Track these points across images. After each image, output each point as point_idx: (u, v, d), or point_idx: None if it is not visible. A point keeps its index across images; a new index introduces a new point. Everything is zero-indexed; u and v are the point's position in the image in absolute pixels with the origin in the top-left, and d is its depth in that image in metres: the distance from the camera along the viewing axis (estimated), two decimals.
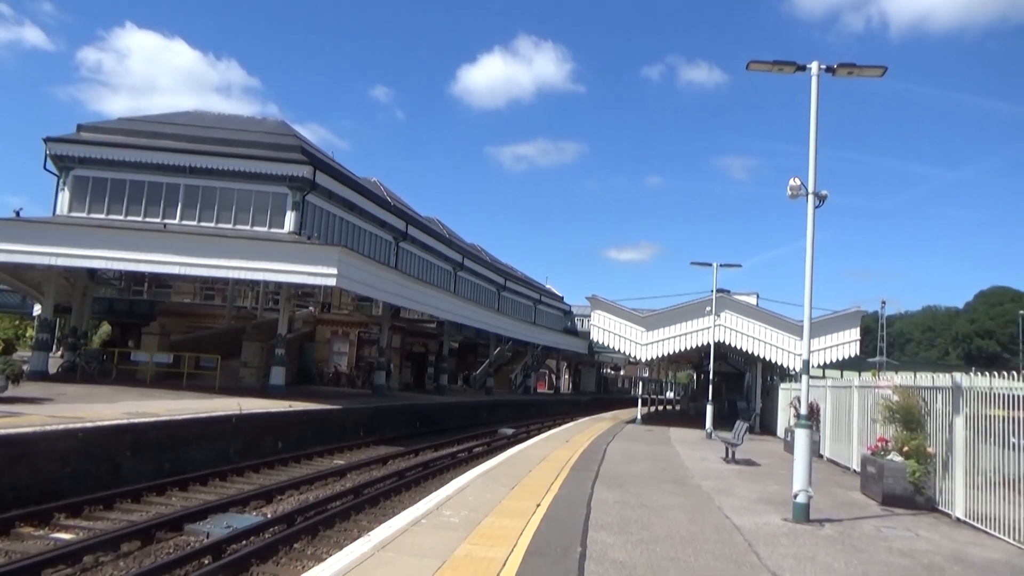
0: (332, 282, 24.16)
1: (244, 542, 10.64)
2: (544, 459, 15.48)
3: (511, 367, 61.74)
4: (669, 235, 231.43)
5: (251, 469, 17.29)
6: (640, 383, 43.21)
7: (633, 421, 31.93)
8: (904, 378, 13.58)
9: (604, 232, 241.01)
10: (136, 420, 15.28)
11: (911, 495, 11.56)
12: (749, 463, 17.33)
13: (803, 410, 10.69)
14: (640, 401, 36.20)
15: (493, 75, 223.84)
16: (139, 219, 27.35)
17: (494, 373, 56.61)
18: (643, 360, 31.79)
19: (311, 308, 43.13)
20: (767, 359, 29.29)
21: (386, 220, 37.16)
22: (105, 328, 48.41)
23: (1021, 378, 9.08)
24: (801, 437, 10.23)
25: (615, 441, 21.63)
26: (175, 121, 30.45)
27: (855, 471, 15.26)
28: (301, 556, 10.25)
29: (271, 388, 25.96)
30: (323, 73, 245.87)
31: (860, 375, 16.54)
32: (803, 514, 9.80)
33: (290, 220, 28.05)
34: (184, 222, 27.53)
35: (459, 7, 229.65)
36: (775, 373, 33.67)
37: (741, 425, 18.72)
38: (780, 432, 25.68)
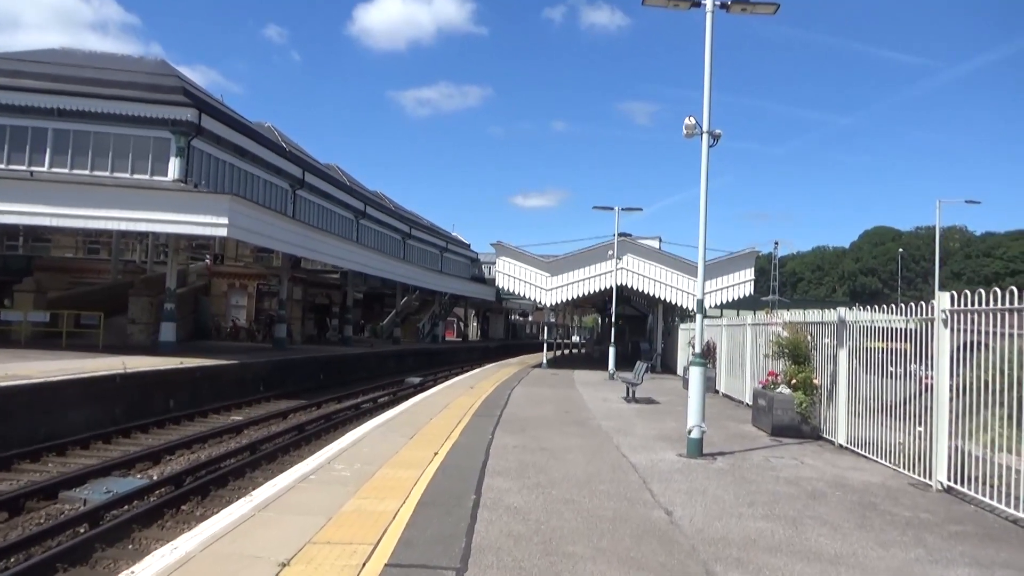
0: (223, 232, 22.90)
1: (126, 507, 10.04)
2: (447, 406, 15.32)
3: (418, 316, 61.24)
4: (575, 181, 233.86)
5: (139, 430, 16.48)
6: (547, 328, 43.66)
7: (539, 366, 32.28)
8: (794, 315, 14.06)
9: (511, 178, 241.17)
10: (3, 383, 14.11)
11: (798, 425, 12.04)
12: (649, 402, 17.75)
13: (698, 348, 10.85)
14: (547, 346, 36.59)
15: (391, 15, 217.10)
16: (2, 166, 25.03)
17: (401, 323, 56.01)
18: (548, 305, 32.01)
19: (207, 260, 41.18)
20: (668, 301, 30.02)
21: (281, 167, 35.56)
22: None
23: (898, 312, 9.45)
24: (695, 374, 10.40)
25: (520, 386, 21.74)
26: (39, 59, 27.76)
27: (747, 405, 15.85)
28: (189, 518, 9.76)
29: (161, 345, 24.68)
30: (211, 11, 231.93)
31: (755, 313, 17.08)
32: (696, 449, 10.02)
33: (174, 167, 26.33)
34: (55, 169, 25.41)
35: None
36: (676, 314, 34.64)
37: (641, 365, 19.10)
38: (680, 371, 26.50)
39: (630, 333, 45.52)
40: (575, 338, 66.31)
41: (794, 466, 9.59)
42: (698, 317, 11.21)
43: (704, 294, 11.45)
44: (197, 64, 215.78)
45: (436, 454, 9.43)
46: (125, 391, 17.60)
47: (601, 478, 8.36)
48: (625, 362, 28.42)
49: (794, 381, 12.12)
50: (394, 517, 6.25)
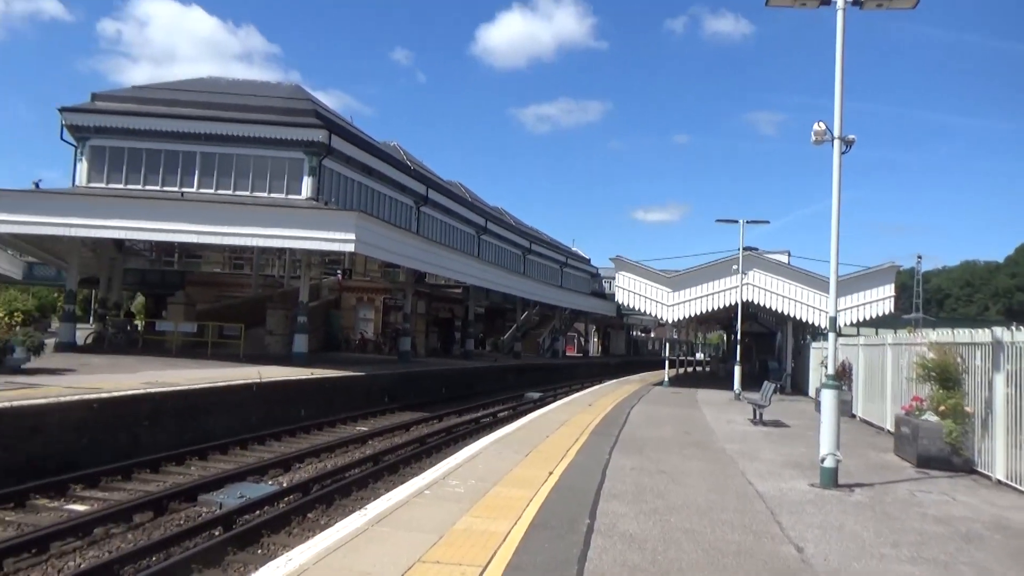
0: (350, 248, 23.86)
1: (257, 512, 10.47)
2: (564, 424, 15.12)
3: (539, 331, 61.46)
4: (698, 194, 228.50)
5: (272, 437, 17.23)
6: (668, 345, 42.61)
7: (661, 383, 31.49)
8: (941, 334, 12.90)
9: (631, 193, 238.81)
10: (154, 390, 15.21)
11: (948, 456, 10.99)
12: (777, 425, 16.82)
13: (830, 369, 10.12)
14: (668, 363, 35.64)
15: (513, 33, 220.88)
16: (157, 188, 27.30)
17: (522, 337, 56.37)
18: (669, 321, 31.17)
19: (339, 275, 43.10)
20: (798, 318, 28.52)
21: (406, 184, 36.72)
22: (140, 299, 49.07)
23: None
24: (828, 398, 9.69)
25: (640, 404, 21.22)
26: (189, 88, 30.20)
27: (889, 432, 14.70)
28: (314, 526, 10.03)
29: (294, 356, 25.91)
30: (343, 37, 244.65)
31: (895, 332, 15.87)
32: (831, 479, 9.31)
33: (307, 186, 27.76)
34: (202, 190, 27.40)
35: None
36: (807, 332, 32.88)
37: (768, 386, 18.17)
38: (811, 392, 25.07)
39: (757, 351, 43.66)
40: (699, 355, 64.40)
41: (944, 502, 8.72)
42: (830, 335, 10.47)
43: (837, 311, 10.70)
44: (331, 89, 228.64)
45: (551, 473, 9.26)
46: (260, 400, 18.54)
47: (724, 506, 7.91)
48: (752, 381, 27.21)
49: (942, 408, 11.07)
50: (505, 538, 6.12)
